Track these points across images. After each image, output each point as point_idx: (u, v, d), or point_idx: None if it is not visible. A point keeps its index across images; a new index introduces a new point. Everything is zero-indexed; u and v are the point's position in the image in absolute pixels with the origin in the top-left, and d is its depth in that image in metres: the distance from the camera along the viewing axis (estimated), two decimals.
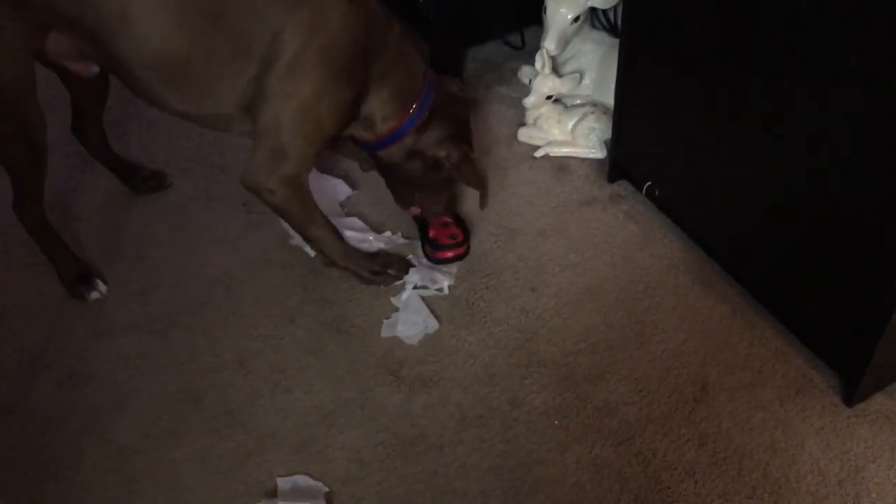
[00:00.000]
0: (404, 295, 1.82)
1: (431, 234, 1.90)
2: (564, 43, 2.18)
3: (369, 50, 1.63)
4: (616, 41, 2.09)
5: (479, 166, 1.81)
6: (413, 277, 1.85)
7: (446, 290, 1.85)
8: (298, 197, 1.70)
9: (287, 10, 1.53)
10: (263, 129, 1.62)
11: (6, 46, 1.52)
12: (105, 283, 1.86)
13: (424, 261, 1.91)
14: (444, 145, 1.75)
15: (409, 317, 1.78)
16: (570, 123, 2.18)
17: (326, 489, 1.51)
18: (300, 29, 1.53)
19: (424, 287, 1.84)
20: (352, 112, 1.68)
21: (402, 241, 1.96)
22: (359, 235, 1.94)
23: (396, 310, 1.80)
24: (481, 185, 1.83)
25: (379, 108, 1.70)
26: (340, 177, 2.11)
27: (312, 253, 1.89)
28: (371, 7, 1.64)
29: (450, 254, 1.89)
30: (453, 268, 1.89)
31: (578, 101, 2.26)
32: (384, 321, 1.78)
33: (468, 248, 1.92)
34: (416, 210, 1.90)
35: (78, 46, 1.61)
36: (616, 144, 2.04)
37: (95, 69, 1.72)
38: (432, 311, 1.80)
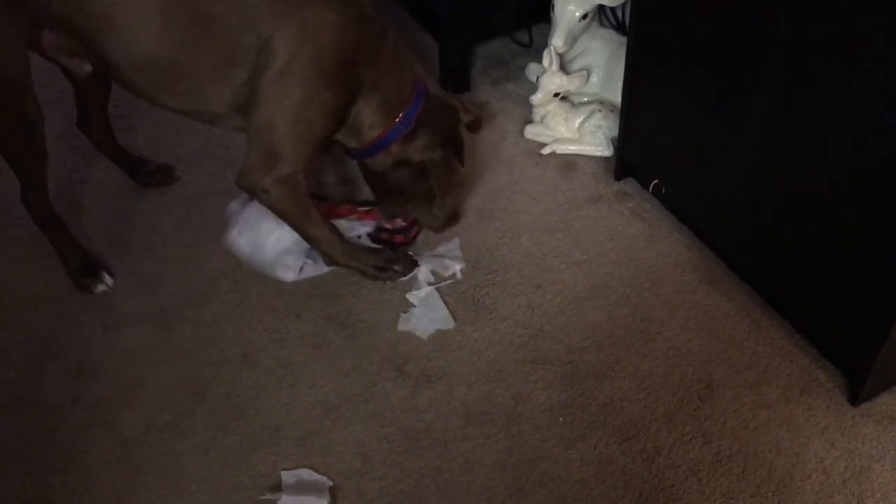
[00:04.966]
0: (423, 291, 1.82)
1: (384, 236, 1.90)
2: (572, 40, 2.18)
3: (361, 58, 1.64)
4: (624, 39, 2.09)
5: (459, 177, 1.80)
6: (424, 271, 1.85)
7: (459, 275, 1.85)
8: (294, 197, 1.70)
9: (276, 21, 1.53)
10: (256, 130, 1.63)
11: (2, 40, 1.53)
12: (111, 275, 1.86)
13: (427, 254, 1.91)
14: (427, 150, 1.76)
15: (426, 313, 1.78)
16: (578, 121, 2.18)
17: (330, 483, 1.51)
18: (290, 39, 1.54)
19: (440, 280, 1.84)
20: (343, 116, 1.69)
21: None
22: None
23: (412, 305, 1.80)
24: (447, 193, 1.81)
25: (367, 116, 1.72)
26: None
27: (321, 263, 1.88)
28: (366, 15, 1.64)
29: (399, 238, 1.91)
30: (458, 251, 1.90)
31: (585, 99, 2.26)
32: (401, 315, 1.78)
33: (417, 232, 1.93)
34: (399, 223, 1.89)
35: (69, 45, 1.63)
36: (623, 142, 2.04)
37: (88, 68, 1.74)
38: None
